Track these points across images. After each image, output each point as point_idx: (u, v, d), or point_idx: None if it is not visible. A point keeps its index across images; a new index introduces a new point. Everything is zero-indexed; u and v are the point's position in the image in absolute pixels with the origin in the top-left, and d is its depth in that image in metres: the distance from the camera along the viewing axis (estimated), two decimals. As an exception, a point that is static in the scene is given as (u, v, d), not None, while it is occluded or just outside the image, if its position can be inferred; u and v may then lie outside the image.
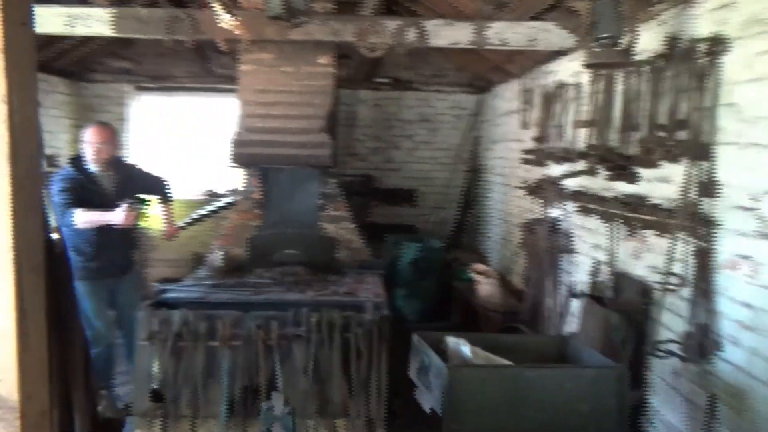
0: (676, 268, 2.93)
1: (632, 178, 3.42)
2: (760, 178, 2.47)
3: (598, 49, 2.91)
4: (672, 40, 3.07)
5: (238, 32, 4.10)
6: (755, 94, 2.52)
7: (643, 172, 3.35)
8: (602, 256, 3.75)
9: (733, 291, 2.63)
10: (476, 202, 7.20)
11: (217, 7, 3.76)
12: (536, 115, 5.12)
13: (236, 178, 6.16)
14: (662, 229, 3.07)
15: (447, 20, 4.39)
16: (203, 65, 7.02)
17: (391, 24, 4.33)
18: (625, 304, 3.32)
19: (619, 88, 3.57)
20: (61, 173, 3.92)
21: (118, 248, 4.06)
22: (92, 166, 3.91)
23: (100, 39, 6.08)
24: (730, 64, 2.68)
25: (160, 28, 4.28)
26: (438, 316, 5.96)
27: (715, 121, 2.76)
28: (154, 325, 3.29)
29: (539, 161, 4.87)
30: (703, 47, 2.81)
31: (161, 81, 7.13)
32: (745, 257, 2.55)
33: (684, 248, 2.89)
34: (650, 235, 3.23)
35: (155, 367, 3.27)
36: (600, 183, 3.82)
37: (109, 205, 3.83)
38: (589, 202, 3.91)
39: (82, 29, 4.28)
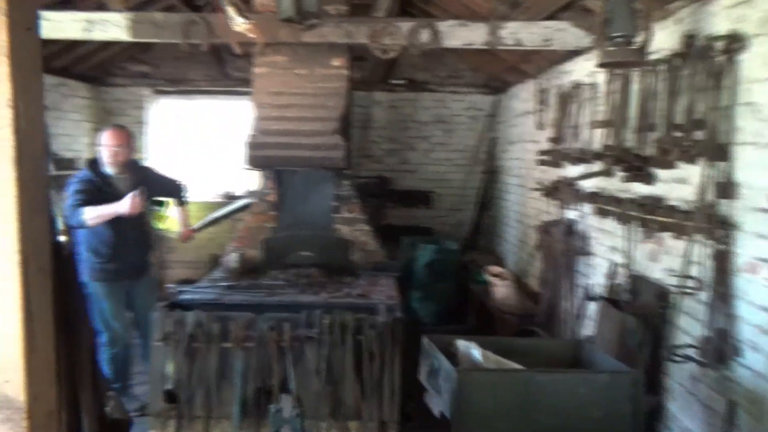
0: (694, 271, 2.87)
1: (649, 179, 3.36)
2: (779, 178, 2.41)
3: (611, 49, 2.86)
4: (689, 38, 3.00)
5: (251, 35, 4.12)
6: (774, 92, 2.46)
7: (659, 173, 3.29)
8: (619, 259, 3.69)
9: (753, 295, 2.56)
10: (493, 204, 7.14)
11: (231, 11, 3.79)
12: (552, 115, 5.06)
13: (253, 180, 6.21)
14: (679, 231, 3.01)
15: (461, 21, 4.36)
16: (220, 68, 7.09)
17: (405, 25, 4.31)
18: (642, 308, 3.26)
19: (635, 87, 3.51)
20: (78, 175, 3.99)
21: (135, 250, 4.11)
22: (109, 169, 3.97)
23: (119, 44, 6.16)
24: (749, 62, 2.62)
25: (175, 32, 4.33)
26: (454, 318, 5.92)
27: (732, 121, 2.70)
28: (169, 326, 3.31)
29: (555, 162, 4.81)
30: (720, 45, 2.75)
31: (179, 84, 7.22)
32: (764, 260, 2.49)
33: (702, 251, 2.83)
34: (667, 238, 3.17)
35: (169, 368, 3.30)
36: (616, 184, 3.76)
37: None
38: (605, 204, 3.85)
39: (99, 34, 4.35)
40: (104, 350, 4.10)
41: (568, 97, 4.66)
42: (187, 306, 3.51)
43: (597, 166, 3.96)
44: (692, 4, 3.02)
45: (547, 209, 5.01)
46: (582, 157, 4.23)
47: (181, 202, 4.52)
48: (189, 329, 3.29)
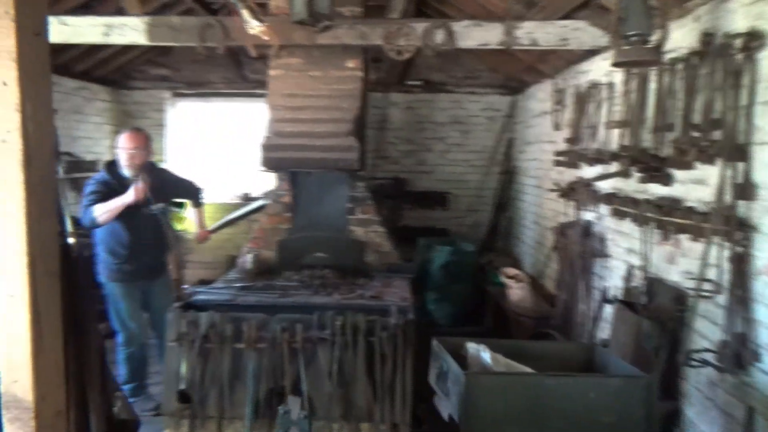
0: (712, 273, 2.81)
1: (666, 180, 3.30)
2: (799, 179, 2.35)
3: (626, 47, 2.82)
4: (707, 36, 2.94)
5: (266, 38, 4.15)
6: (794, 91, 2.40)
7: (677, 173, 3.23)
8: (636, 261, 3.63)
9: (772, 298, 2.50)
10: (510, 205, 7.08)
11: (245, 14, 3.81)
12: (569, 115, 5.00)
13: (270, 182, 6.26)
14: (697, 233, 2.95)
15: (476, 21, 4.33)
16: (237, 71, 7.15)
17: (419, 26, 4.30)
18: (659, 311, 3.20)
19: (652, 86, 3.45)
20: (95, 177, 4.06)
21: (151, 251, 4.16)
22: (126, 171, 4.02)
23: (138, 47, 6.27)
24: (768, 60, 2.56)
25: (192, 36, 4.38)
26: (471, 320, 5.88)
27: (751, 120, 2.64)
28: (183, 327, 3.34)
29: (572, 163, 4.75)
30: (739, 43, 2.69)
31: (197, 87, 7.30)
32: (784, 263, 2.42)
33: (720, 253, 2.77)
34: (685, 239, 3.11)
35: (183, 368, 3.33)
36: (633, 185, 3.70)
37: (140, 208, 3.93)
38: (622, 205, 3.79)
39: (117, 38, 4.41)
40: (121, 350, 4.17)
41: (585, 97, 4.60)
42: (201, 307, 3.54)
43: (614, 167, 3.91)
44: (711, 2, 2.97)
45: (563, 210, 4.95)
46: (599, 157, 4.18)
47: (197, 204, 4.57)
48: (202, 330, 3.31)
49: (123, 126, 6.38)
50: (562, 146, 5.00)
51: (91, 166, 6.22)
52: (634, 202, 3.63)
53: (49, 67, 1.55)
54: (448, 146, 7.36)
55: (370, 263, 4.67)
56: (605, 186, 4.13)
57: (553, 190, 5.12)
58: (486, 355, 2.53)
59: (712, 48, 2.89)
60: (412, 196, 7.22)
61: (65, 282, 1.63)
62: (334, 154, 4.44)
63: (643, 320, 3.20)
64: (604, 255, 4.22)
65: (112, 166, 4.08)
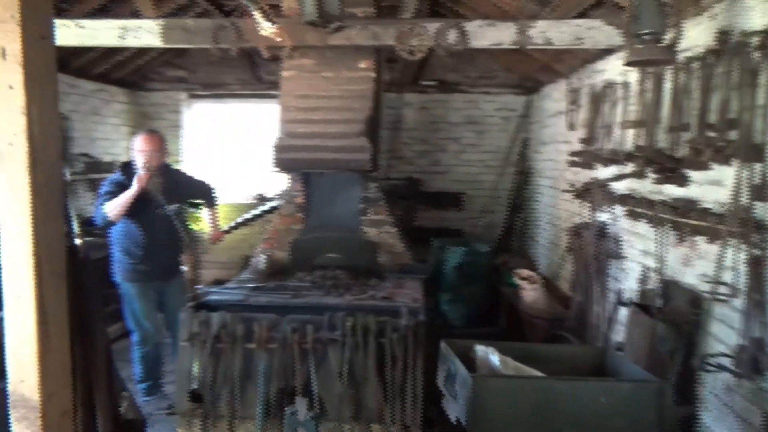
0: (728, 276, 2.75)
1: (682, 181, 3.24)
2: (818, 180, 2.29)
3: (639, 46, 2.77)
4: (723, 35, 2.89)
5: (278, 39, 4.16)
6: (813, 89, 2.33)
7: (692, 174, 3.17)
8: (651, 263, 3.57)
9: (790, 302, 2.44)
10: (525, 206, 7.03)
11: (258, 16, 3.83)
12: (584, 115, 4.95)
13: (284, 183, 6.28)
14: (713, 235, 2.89)
15: (489, 21, 4.30)
16: (253, 72, 7.19)
17: (432, 26, 4.28)
18: (674, 314, 3.15)
19: (667, 86, 3.40)
20: (110, 178, 4.11)
21: (166, 252, 4.20)
22: (141, 173, 4.06)
23: (155, 49, 6.33)
24: (786, 58, 2.50)
25: (206, 38, 4.41)
26: (485, 321, 5.84)
27: (769, 120, 2.58)
28: (195, 327, 3.37)
29: (587, 163, 4.70)
30: (756, 41, 2.63)
31: (213, 89, 7.35)
32: (802, 266, 2.37)
33: (736, 255, 2.71)
34: (701, 241, 3.05)
35: (195, 368, 3.35)
36: (648, 186, 3.64)
37: (155, 209, 3.97)
38: (637, 206, 3.73)
39: (133, 41, 4.46)
40: (135, 349, 4.22)
41: (600, 97, 4.54)
42: (214, 307, 3.56)
43: (629, 168, 3.85)
44: (727, -1, 2.91)
45: (578, 211, 4.90)
46: (614, 158, 4.12)
47: (211, 205, 4.61)
48: (214, 330, 3.33)
49: (140, 127, 6.45)
50: (577, 146, 4.94)
51: (108, 167, 6.30)
52: (649, 203, 3.58)
53: (55, 71, 1.56)
54: (463, 146, 7.32)
55: (382, 264, 4.67)
56: (620, 187, 4.07)
57: (567, 191, 5.07)
58: (495, 357, 2.51)
59: (729, 46, 2.84)
60: (426, 196, 7.19)
61: (72, 283, 1.65)
62: (346, 155, 4.44)
63: (658, 323, 3.14)
64: (619, 256, 4.16)
65: (127, 167, 4.13)
